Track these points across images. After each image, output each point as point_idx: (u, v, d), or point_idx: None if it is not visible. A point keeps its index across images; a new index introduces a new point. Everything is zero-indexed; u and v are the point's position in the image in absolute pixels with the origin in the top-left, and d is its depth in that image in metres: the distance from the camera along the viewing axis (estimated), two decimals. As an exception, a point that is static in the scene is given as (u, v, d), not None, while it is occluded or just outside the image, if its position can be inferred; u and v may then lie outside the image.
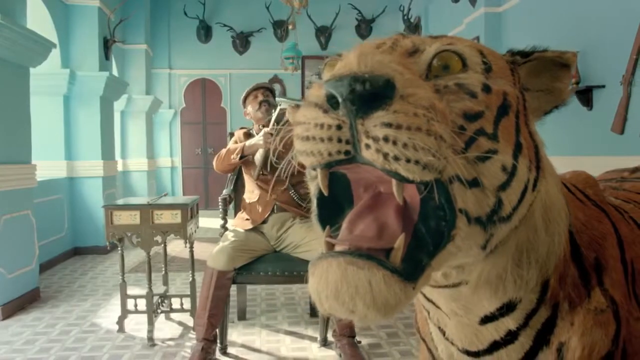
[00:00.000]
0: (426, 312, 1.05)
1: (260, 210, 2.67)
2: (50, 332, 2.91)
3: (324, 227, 0.63)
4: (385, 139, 0.50)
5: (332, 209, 0.65)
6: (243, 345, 2.71)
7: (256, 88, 2.80)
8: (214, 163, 2.79)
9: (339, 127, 0.52)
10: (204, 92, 8.86)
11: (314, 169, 0.58)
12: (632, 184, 1.41)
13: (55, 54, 4.55)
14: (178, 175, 8.68)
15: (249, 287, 3.30)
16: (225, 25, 8.64)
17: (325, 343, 2.68)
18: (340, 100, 0.51)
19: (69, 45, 5.06)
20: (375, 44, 0.65)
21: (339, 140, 0.52)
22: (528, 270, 0.72)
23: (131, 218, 2.66)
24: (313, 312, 3.16)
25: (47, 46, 3.71)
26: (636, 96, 3.37)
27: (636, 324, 0.93)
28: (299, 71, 8.41)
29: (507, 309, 0.83)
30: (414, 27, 7.75)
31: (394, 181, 0.53)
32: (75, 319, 3.14)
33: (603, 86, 3.66)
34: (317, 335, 2.79)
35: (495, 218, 0.61)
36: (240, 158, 2.65)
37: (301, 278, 2.59)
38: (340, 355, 2.50)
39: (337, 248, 0.57)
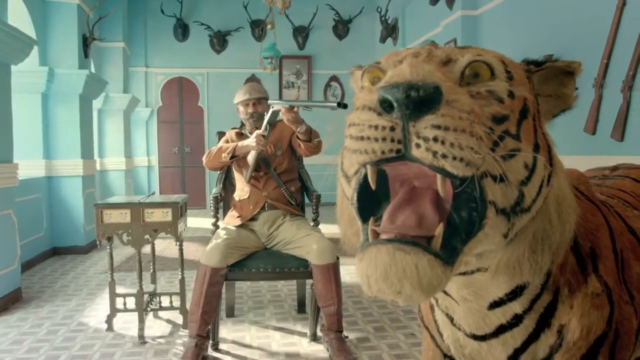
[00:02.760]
0: (433, 300, 1.13)
1: (251, 207, 2.72)
2: (37, 332, 2.90)
3: (363, 219, 0.70)
4: (435, 139, 0.58)
5: (369, 202, 0.72)
6: (234, 342, 2.75)
7: (248, 99, 2.81)
8: (204, 159, 2.80)
9: (392, 129, 0.59)
10: (180, 91, 8.81)
11: (364, 166, 0.64)
12: (613, 182, 1.53)
13: (33, 52, 4.48)
14: (155, 174, 8.62)
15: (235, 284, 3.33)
16: (202, 24, 8.61)
17: (315, 338, 2.75)
18: (395, 104, 0.58)
19: (47, 42, 4.99)
20: (412, 53, 0.72)
21: (392, 140, 0.60)
22: (542, 256, 0.80)
23: (122, 216, 2.67)
24: (300, 308, 3.23)
25: (28, 43, 3.67)
26: (607, 98, 3.54)
27: (626, 307, 1.02)
28: (277, 71, 8.46)
29: (515, 294, 0.92)
30: (391, 29, 7.88)
31: (438, 176, 0.61)
32: (61, 318, 3.12)
33: (576, 88, 3.81)
34: (306, 330, 2.86)
35: (517, 209, 0.69)
36: (231, 158, 2.69)
37: (292, 274, 2.65)
38: (327, 350, 2.57)
39: (383, 236, 0.64)
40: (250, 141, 2.61)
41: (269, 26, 7.32)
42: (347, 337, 2.68)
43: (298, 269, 2.60)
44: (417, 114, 0.59)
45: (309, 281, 2.78)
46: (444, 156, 0.58)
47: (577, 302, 0.95)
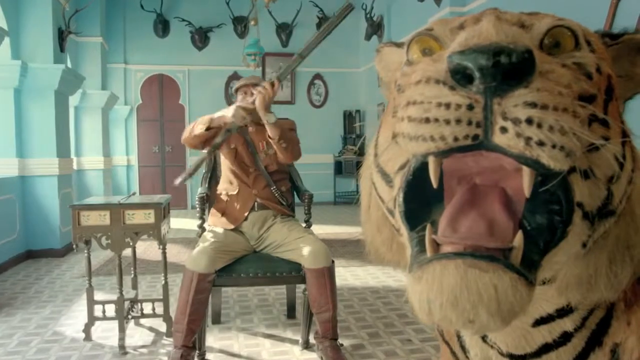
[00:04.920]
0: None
1: (238, 207, 2.56)
2: (7, 343, 2.69)
3: (411, 225, 0.56)
4: (529, 121, 0.44)
5: (417, 205, 0.57)
6: (221, 351, 2.59)
7: (247, 84, 2.64)
8: (183, 136, 2.55)
9: (469, 107, 0.45)
10: (161, 88, 8.59)
11: (425, 157, 0.50)
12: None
13: (4, 44, 4.26)
14: (134, 174, 8.37)
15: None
16: (183, 20, 8.40)
17: (307, 345, 2.60)
18: (477, 74, 0.44)
19: (19, 34, 4.74)
20: (475, 17, 0.58)
21: (469, 123, 0.45)
22: (623, 268, 0.67)
23: (100, 218, 2.49)
24: (290, 313, 3.08)
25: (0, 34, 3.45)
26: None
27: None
28: (260, 68, 8.30)
29: (567, 310, 0.79)
30: (376, 26, 7.78)
31: (526, 171, 0.47)
32: (34, 327, 2.92)
33: None
34: (297, 337, 2.71)
35: (603, 212, 0.55)
36: (207, 129, 2.40)
37: (284, 279, 2.50)
38: (321, 358, 2.43)
39: (447, 248, 0.50)
40: (228, 112, 2.37)
41: (252, 22, 7.17)
42: (342, 344, 2.54)
43: (290, 273, 2.45)
44: (504, 88, 0.45)
45: (299, 284, 2.64)
46: (541, 144, 0.44)
47: (635, 318, 0.82)
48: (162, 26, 8.37)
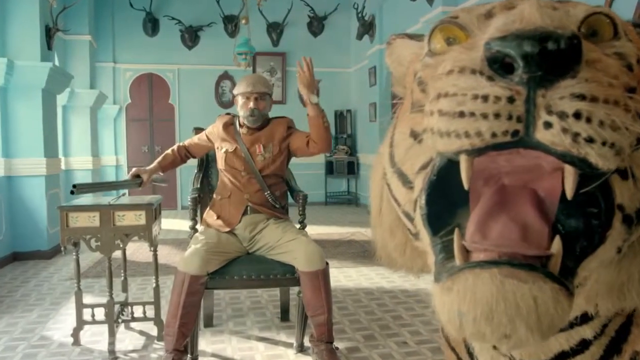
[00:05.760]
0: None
1: (231, 211, 2.51)
2: (-7, 347, 2.62)
3: (434, 230, 0.51)
4: (577, 115, 0.39)
5: (439, 207, 0.53)
6: (214, 355, 2.53)
7: (250, 92, 2.53)
8: None
9: (510, 100, 0.40)
10: (150, 87, 8.48)
11: (457, 155, 0.45)
12: None
13: (-10, 42, 4.17)
14: (123, 174, 8.25)
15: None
16: (173, 19, 8.31)
17: (302, 349, 2.56)
18: (520, 63, 0.39)
19: (5, 31, 4.63)
20: (506, 3, 0.54)
21: (509, 117, 0.41)
22: None
23: (89, 220, 2.43)
24: (284, 315, 3.03)
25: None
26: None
27: None
28: (251, 68, 8.22)
29: (588, 317, 0.75)
30: (368, 26, 7.74)
31: (569, 171, 0.42)
32: (21, 332, 2.84)
33: None
34: (291, 340, 2.67)
35: None
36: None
37: (278, 282, 2.45)
38: (317, 361, 2.39)
39: (479, 256, 0.46)
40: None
41: (243, 21, 7.10)
42: (337, 348, 2.49)
43: (284, 275, 2.40)
44: (550, 79, 0.40)
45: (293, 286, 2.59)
46: (590, 140, 0.39)
47: (656, 324, 0.78)
48: (152, 25, 8.27)
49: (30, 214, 4.68)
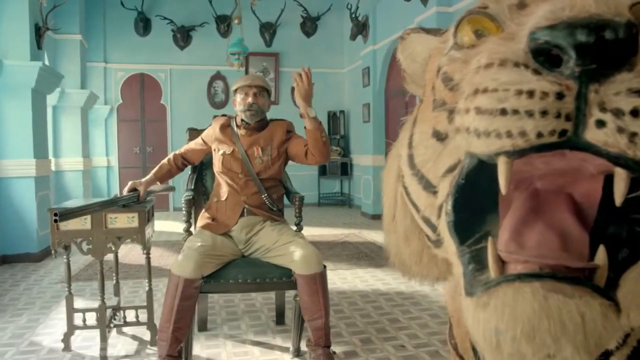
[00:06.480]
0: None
1: (227, 213, 2.46)
2: (-19, 353, 2.55)
3: (461, 239, 0.47)
4: (634, 113, 0.35)
5: (468, 214, 0.49)
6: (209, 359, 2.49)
7: (249, 85, 2.49)
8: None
9: (559, 96, 0.36)
10: (142, 88, 8.41)
11: (495, 157, 0.41)
12: None
13: (-21, 41, 4.09)
14: (114, 175, 8.17)
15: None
16: (165, 19, 8.24)
17: (298, 353, 2.51)
18: (572, 54, 0.35)
19: (-7, 30, 4.56)
20: None
21: (557, 115, 0.37)
22: None
23: (81, 223, 2.36)
24: (279, 319, 2.98)
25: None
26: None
27: None
28: (244, 68, 8.17)
29: None
30: (361, 26, 7.71)
31: (621, 175, 0.38)
32: (9, 337, 2.77)
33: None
34: (287, 344, 2.62)
35: None
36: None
37: (274, 285, 2.40)
38: (314, 366, 2.34)
39: (517, 268, 0.42)
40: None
41: (235, 21, 7.04)
42: (335, 352, 2.45)
43: (280, 279, 2.35)
44: (604, 73, 0.36)
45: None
46: None
47: (679, 333, 0.75)
48: (143, 24, 8.20)
49: (20, 215, 4.60)
